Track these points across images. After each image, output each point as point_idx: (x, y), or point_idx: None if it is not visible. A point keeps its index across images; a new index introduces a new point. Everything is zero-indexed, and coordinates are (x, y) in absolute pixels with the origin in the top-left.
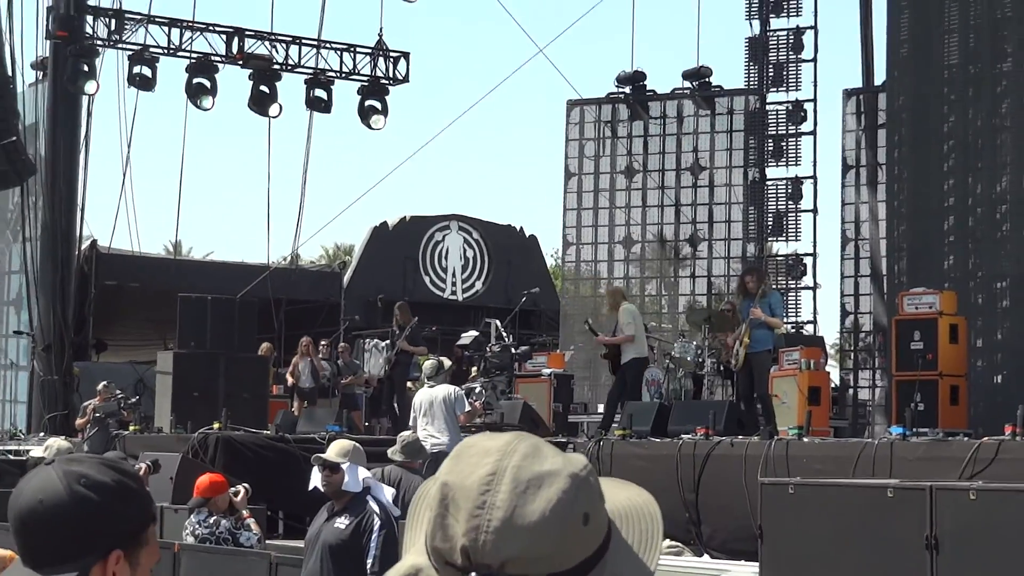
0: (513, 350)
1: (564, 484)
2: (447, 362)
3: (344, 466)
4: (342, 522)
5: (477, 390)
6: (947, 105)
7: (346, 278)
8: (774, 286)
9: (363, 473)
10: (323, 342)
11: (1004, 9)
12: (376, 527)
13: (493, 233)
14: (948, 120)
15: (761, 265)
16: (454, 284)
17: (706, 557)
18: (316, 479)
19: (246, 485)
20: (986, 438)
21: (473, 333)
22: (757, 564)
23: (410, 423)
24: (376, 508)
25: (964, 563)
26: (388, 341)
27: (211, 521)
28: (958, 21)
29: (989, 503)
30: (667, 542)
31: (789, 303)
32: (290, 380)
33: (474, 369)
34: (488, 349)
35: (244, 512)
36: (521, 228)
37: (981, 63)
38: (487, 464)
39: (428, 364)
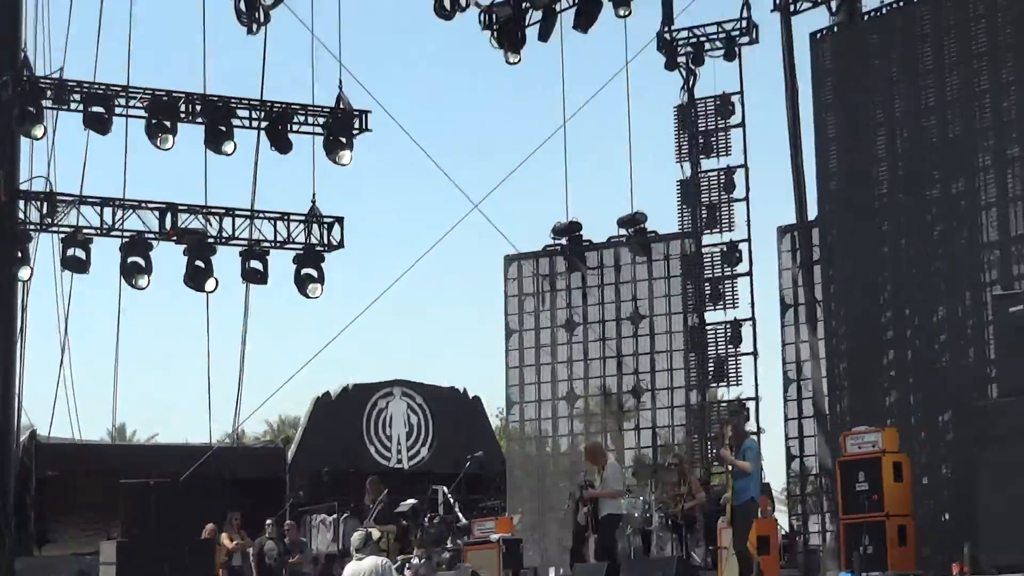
0: (458, 522)
1: None
2: (376, 533)
3: None
4: None
5: (414, 561)
6: (880, 236)
7: (290, 453)
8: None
9: None
10: (268, 521)
11: (930, 136)
12: None
13: (436, 396)
14: (882, 251)
15: (717, 414)
16: (399, 452)
17: None
18: None
19: None
20: None
21: (411, 501)
22: None
23: None
24: None
25: None
26: (339, 516)
27: None
28: (886, 150)
29: None
30: None
31: None
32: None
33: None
34: (426, 520)
35: None
36: (464, 389)
37: (912, 191)
38: None
39: (356, 536)
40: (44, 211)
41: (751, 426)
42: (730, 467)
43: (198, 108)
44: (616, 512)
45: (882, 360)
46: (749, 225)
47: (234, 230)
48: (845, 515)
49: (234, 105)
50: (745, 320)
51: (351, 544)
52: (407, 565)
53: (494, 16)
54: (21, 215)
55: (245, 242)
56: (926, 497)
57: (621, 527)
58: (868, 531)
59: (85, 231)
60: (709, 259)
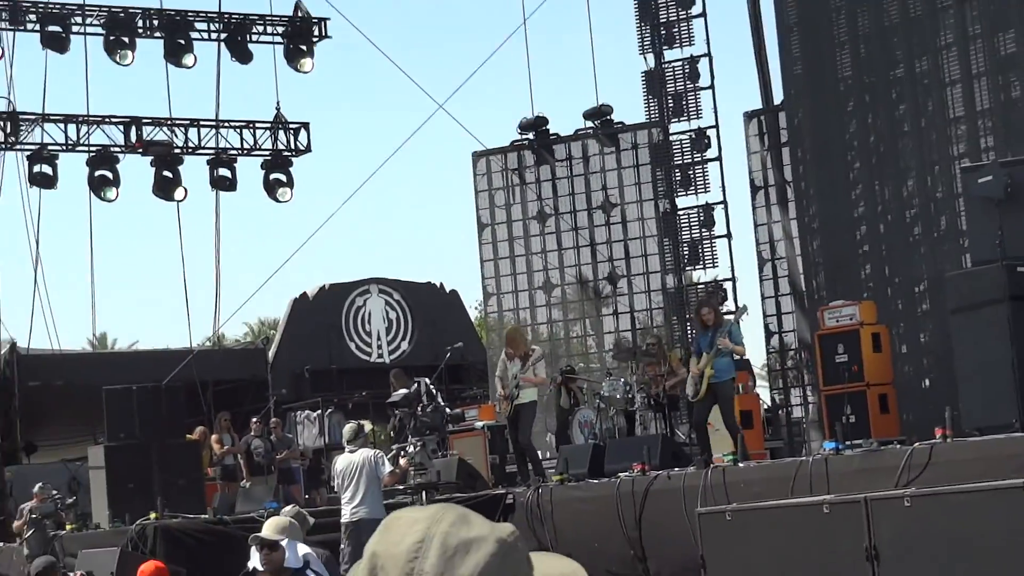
0: (447, 411)
1: (492, 548)
2: (368, 425)
3: (283, 543)
4: None
5: (409, 450)
6: (846, 116)
7: (271, 353)
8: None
9: (302, 549)
10: (254, 419)
11: (891, 17)
12: None
13: (413, 292)
14: (849, 130)
15: (695, 295)
16: (380, 347)
17: None
18: (255, 559)
19: None
20: (917, 444)
21: (404, 391)
22: None
23: (335, 489)
24: None
25: (905, 569)
26: (323, 411)
27: None
28: (847, 34)
29: (924, 508)
30: None
31: None
32: (216, 450)
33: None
34: (420, 409)
35: None
36: (441, 284)
37: (874, 71)
38: (416, 532)
39: (348, 428)
40: (8, 130)
41: (730, 306)
42: (713, 349)
43: (155, 23)
44: (534, 400)
45: (855, 235)
46: (716, 111)
47: (200, 140)
48: (826, 387)
49: (191, 18)
50: (717, 204)
51: (343, 436)
52: (402, 454)
53: None
54: None
55: (212, 151)
56: (905, 365)
57: (604, 409)
58: (850, 401)
59: (50, 148)
60: (678, 146)
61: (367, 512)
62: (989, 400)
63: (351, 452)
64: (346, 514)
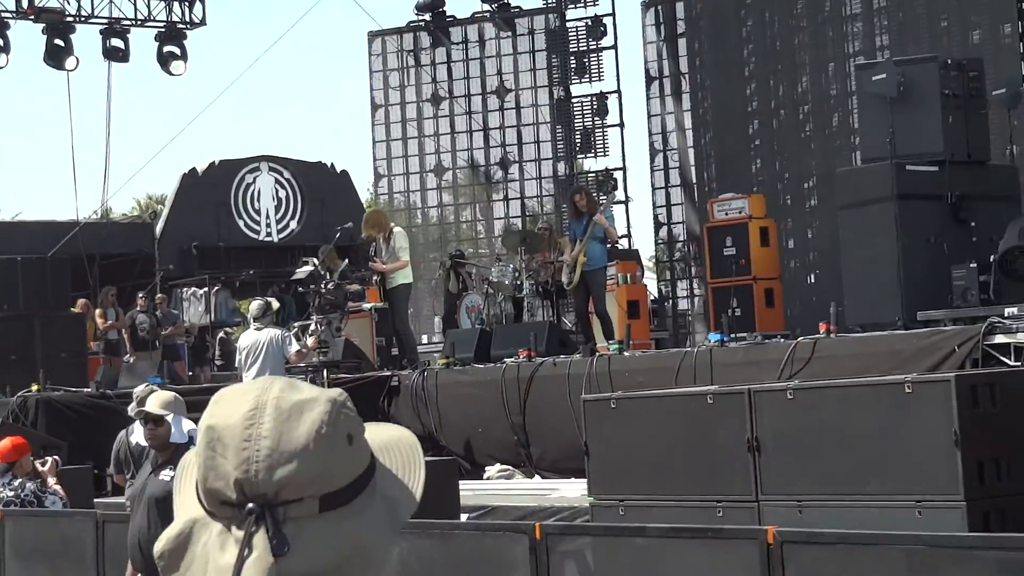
0: (348, 288)
1: (325, 407)
2: (275, 303)
3: (168, 418)
4: (167, 474)
5: (311, 328)
6: (744, 9)
7: (159, 228)
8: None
9: (187, 424)
10: (140, 294)
11: None
12: None
13: (304, 171)
14: (746, 24)
15: (585, 183)
16: (269, 226)
17: (537, 478)
18: (139, 434)
19: (56, 458)
20: (801, 338)
21: (308, 268)
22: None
23: (236, 366)
24: None
25: (785, 461)
26: (209, 288)
27: (16, 484)
28: None
29: (806, 401)
30: (497, 466)
31: None
32: (100, 324)
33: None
34: (323, 286)
35: (51, 480)
36: (332, 164)
37: None
38: (248, 401)
39: (255, 305)
40: None
41: (619, 195)
42: (586, 236)
43: None
44: (407, 282)
45: (747, 129)
46: None
47: (93, 8)
48: (713, 279)
49: None
50: (611, 92)
51: (250, 313)
52: (307, 332)
53: None
54: None
55: (105, 20)
56: (792, 260)
57: (492, 294)
58: (736, 294)
59: None
60: (574, 33)
61: None
62: (873, 297)
63: (257, 330)
64: None
